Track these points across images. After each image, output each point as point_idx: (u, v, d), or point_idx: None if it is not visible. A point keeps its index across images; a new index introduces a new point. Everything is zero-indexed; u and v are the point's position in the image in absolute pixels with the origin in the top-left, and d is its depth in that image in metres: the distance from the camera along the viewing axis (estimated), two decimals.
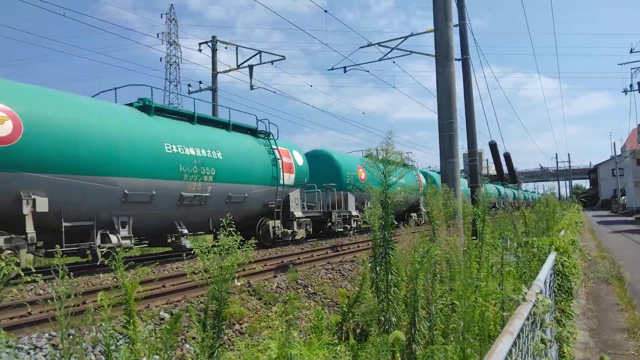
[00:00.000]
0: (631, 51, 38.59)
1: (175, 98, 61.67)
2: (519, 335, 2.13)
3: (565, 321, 5.35)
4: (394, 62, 20.58)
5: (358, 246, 15.12)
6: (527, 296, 2.55)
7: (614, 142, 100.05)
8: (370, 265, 4.87)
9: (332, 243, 15.91)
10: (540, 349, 2.45)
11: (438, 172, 29.88)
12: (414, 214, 25.11)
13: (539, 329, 2.72)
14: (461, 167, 17.13)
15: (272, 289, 8.53)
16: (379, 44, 19.60)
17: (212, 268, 2.99)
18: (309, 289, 9.10)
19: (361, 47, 20.60)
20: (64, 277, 2.77)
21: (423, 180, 27.89)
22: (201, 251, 3.01)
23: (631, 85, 39.17)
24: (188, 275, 3.17)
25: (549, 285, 4.22)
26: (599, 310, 8.16)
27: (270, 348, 4.78)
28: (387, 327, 4.32)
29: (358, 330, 6.21)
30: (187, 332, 6.05)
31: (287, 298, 7.04)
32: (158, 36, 59.15)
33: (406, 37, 19.00)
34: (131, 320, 2.85)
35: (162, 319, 6.47)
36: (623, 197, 65.22)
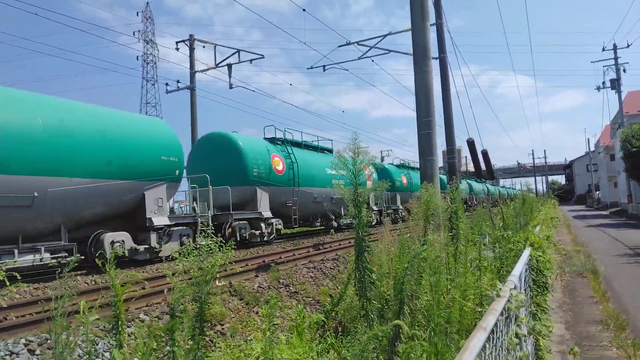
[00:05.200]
0: (603, 49, 39.57)
1: (153, 97, 60.95)
2: (493, 331, 2.19)
3: (540, 315, 5.48)
4: (372, 60, 20.73)
5: (340, 244, 15.18)
6: (501, 292, 2.61)
7: (588, 138, 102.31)
8: (354, 263, 4.92)
9: (314, 242, 15.96)
10: (514, 344, 2.51)
11: (417, 169, 30.62)
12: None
13: (514, 324, 2.79)
14: (440, 164, 17.33)
15: (253, 289, 8.53)
16: (357, 42, 19.68)
17: (193, 270, 3.00)
18: (291, 288, 9.12)
19: (340, 46, 20.67)
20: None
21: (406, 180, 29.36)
22: (179, 254, 3.02)
23: (604, 83, 40.21)
24: (168, 277, 3.16)
25: (524, 280, 4.32)
26: (575, 303, 8.36)
27: (254, 349, 4.79)
28: (366, 324, 4.37)
29: (340, 329, 6.26)
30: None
31: (269, 298, 7.06)
32: (134, 34, 58.49)
33: (384, 36, 19.12)
34: (119, 323, 2.83)
35: (143, 321, 6.42)
36: (597, 192, 66.84)
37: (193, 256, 3.00)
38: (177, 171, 12.30)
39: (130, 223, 11.17)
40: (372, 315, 4.47)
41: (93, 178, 9.89)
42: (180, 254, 3.04)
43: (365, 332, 3.57)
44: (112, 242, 10.17)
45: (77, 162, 9.63)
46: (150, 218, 11.14)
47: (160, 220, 11.39)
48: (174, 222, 11.98)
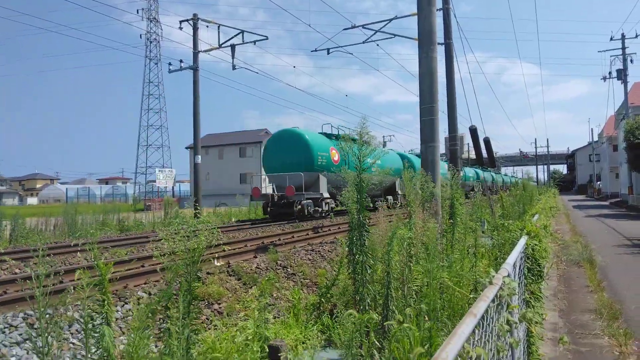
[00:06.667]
0: (611, 39, 39.12)
1: (155, 77, 60.64)
2: (483, 317, 2.21)
3: (534, 303, 5.53)
4: (377, 44, 20.49)
5: (339, 227, 15.25)
6: (494, 279, 2.63)
7: (592, 129, 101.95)
8: (346, 247, 4.95)
9: (313, 224, 16.03)
10: (505, 330, 2.54)
11: (418, 155, 30.59)
12: (390, 197, 25.40)
13: (506, 311, 2.82)
14: (442, 150, 17.31)
15: (251, 269, 8.59)
16: (363, 26, 19.49)
17: (179, 250, 3.02)
18: (289, 269, 9.18)
19: (345, 29, 20.46)
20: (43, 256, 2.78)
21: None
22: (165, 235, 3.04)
23: (610, 73, 39.83)
24: (154, 258, 3.22)
25: (519, 268, 4.35)
26: (570, 291, 8.42)
27: (247, 327, 4.83)
28: (361, 307, 4.41)
29: (335, 311, 6.31)
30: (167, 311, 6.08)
31: (266, 279, 7.12)
32: (138, 12, 57.80)
33: (390, 20, 18.93)
34: (106, 301, 2.86)
35: (140, 298, 6.49)
36: (599, 182, 66.74)
37: (179, 237, 3.02)
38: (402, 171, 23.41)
39: (392, 194, 25.66)
40: (367, 300, 4.51)
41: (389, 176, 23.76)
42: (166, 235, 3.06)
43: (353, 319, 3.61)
44: (387, 200, 23.84)
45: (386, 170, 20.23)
46: (397, 191, 25.43)
47: (402, 192, 23.96)
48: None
